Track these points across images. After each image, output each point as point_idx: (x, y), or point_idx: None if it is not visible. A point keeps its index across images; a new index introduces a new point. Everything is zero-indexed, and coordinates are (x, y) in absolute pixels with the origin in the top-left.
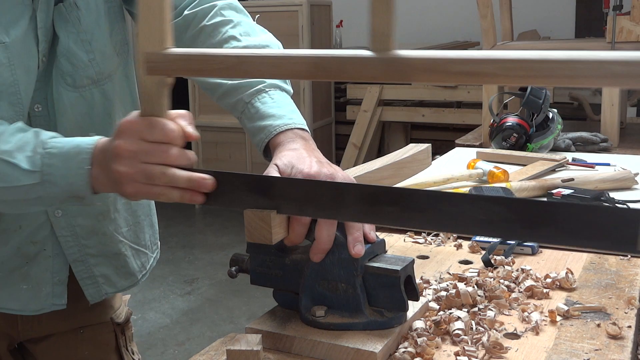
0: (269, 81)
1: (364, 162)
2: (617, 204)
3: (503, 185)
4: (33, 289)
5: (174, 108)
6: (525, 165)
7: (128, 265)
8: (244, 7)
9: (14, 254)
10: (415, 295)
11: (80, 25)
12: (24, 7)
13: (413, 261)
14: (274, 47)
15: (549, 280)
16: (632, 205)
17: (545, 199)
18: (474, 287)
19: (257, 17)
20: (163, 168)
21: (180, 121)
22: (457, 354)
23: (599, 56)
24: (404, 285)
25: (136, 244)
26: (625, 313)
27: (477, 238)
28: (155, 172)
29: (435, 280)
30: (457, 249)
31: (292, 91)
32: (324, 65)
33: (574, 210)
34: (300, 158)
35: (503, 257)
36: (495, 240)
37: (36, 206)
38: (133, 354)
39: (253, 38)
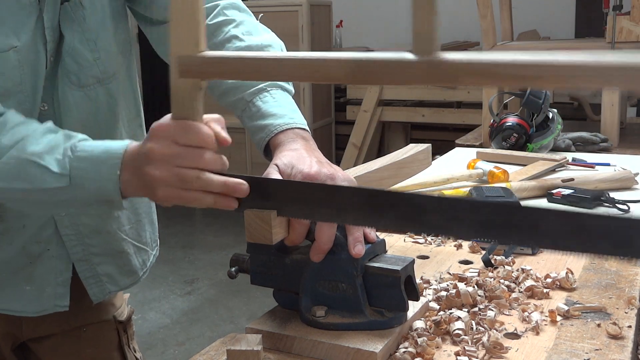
0: None
1: (364, 162)
2: (617, 204)
3: (503, 185)
4: (36, 290)
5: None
6: (525, 165)
7: (130, 263)
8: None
9: (18, 253)
10: (415, 295)
11: (85, 25)
12: (31, 8)
13: (413, 261)
14: (277, 47)
15: (549, 280)
16: (632, 205)
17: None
18: (474, 287)
19: (260, 16)
20: (197, 172)
21: (214, 125)
22: (457, 354)
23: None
24: (404, 285)
25: (138, 242)
26: (626, 313)
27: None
28: (190, 176)
29: (436, 280)
30: (457, 249)
31: (293, 91)
32: (365, 69)
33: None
34: (300, 158)
35: (503, 257)
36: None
37: (63, 208)
38: (135, 352)
39: (255, 37)
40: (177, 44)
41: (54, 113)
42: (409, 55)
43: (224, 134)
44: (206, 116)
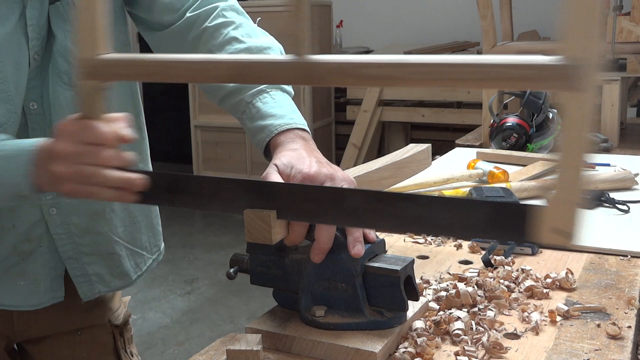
0: None
1: (364, 162)
2: (617, 204)
3: (503, 185)
4: (31, 285)
5: (174, 108)
6: (525, 165)
7: (122, 265)
8: (243, 7)
9: (10, 252)
10: (415, 295)
11: None
12: (13, 3)
13: (413, 261)
14: (276, 49)
15: (549, 280)
16: (632, 206)
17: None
18: (474, 287)
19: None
20: (96, 168)
21: (115, 124)
22: (457, 354)
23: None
24: (404, 285)
25: (132, 245)
26: (625, 313)
27: (477, 238)
28: (90, 172)
29: (435, 280)
30: (457, 249)
31: (293, 93)
32: (246, 70)
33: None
34: (300, 158)
35: (503, 257)
36: (495, 240)
37: None
38: (132, 356)
39: (255, 40)
40: (79, 47)
41: (44, 112)
42: (285, 57)
43: (124, 131)
44: (109, 115)
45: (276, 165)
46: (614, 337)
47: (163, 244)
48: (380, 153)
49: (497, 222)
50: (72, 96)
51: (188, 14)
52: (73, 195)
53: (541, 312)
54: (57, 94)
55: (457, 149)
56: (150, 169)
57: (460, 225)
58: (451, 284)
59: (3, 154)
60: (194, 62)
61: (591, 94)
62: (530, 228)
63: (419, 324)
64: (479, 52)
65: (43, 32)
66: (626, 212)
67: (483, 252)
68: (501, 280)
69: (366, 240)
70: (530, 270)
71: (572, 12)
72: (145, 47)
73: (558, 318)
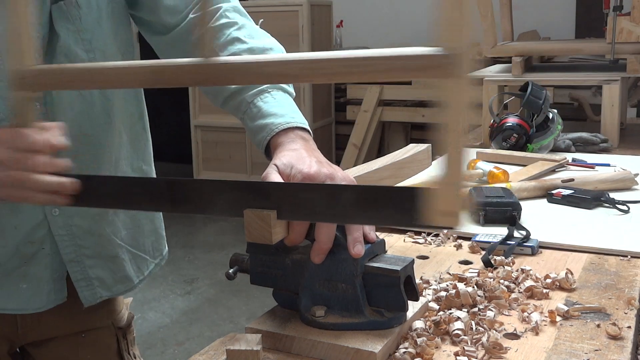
0: None
1: (364, 162)
2: (617, 205)
3: (503, 185)
4: (33, 288)
5: (174, 108)
6: (525, 165)
7: (124, 269)
8: (244, 7)
9: (12, 254)
10: (415, 295)
11: (81, 24)
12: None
13: (413, 261)
14: (277, 50)
15: (548, 280)
16: (632, 206)
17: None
18: (473, 287)
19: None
20: (29, 174)
21: (47, 132)
22: (457, 354)
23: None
24: (403, 285)
25: (135, 249)
26: (625, 313)
27: (477, 238)
28: (22, 178)
29: (435, 281)
30: (457, 249)
31: (294, 94)
32: (162, 74)
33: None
34: (300, 158)
35: (503, 258)
36: (495, 240)
37: None
38: (135, 357)
39: (257, 41)
40: (11, 59)
41: (46, 112)
42: (193, 60)
43: (56, 139)
44: (42, 124)
45: (276, 165)
46: (613, 338)
47: (167, 248)
48: (380, 153)
49: (390, 207)
50: (75, 96)
51: (191, 15)
52: (9, 199)
53: (541, 313)
54: (59, 93)
55: None
56: (153, 170)
57: (358, 211)
58: (451, 284)
59: None
60: (116, 69)
61: (466, 81)
62: (421, 211)
63: (419, 324)
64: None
65: (44, 31)
66: (626, 212)
67: (483, 252)
68: (501, 281)
69: (366, 240)
70: (530, 270)
71: (445, 6)
72: (145, 48)
73: (558, 318)
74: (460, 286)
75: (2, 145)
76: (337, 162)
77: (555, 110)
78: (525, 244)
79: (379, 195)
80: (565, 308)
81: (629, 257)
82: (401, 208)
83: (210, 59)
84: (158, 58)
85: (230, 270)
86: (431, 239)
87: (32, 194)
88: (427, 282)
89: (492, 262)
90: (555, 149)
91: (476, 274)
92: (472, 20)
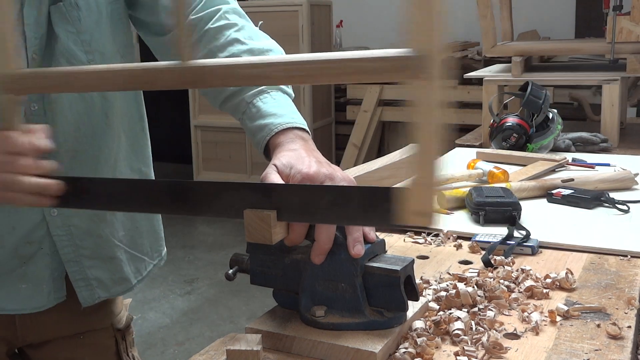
0: None
1: (364, 162)
2: (617, 204)
3: (503, 185)
4: (32, 288)
5: (174, 108)
6: (525, 165)
7: (122, 270)
8: (243, 7)
9: (11, 255)
10: (415, 295)
11: (80, 25)
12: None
13: (413, 261)
14: (277, 51)
15: (548, 280)
16: (632, 206)
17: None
18: (473, 287)
19: (260, 23)
20: (14, 176)
21: (32, 135)
22: (457, 354)
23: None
24: (403, 285)
25: (133, 250)
26: (625, 313)
27: (477, 238)
28: (7, 181)
29: (435, 281)
30: (457, 249)
31: (293, 95)
32: (136, 78)
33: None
34: (299, 158)
35: (503, 258)
36: (495, 240)
37: None
38: (134, 359)
39: (256, 42)
40: None
41: (44, 113)
42: (171, 64)
43: (40, 142)
44: (27, 126)
45: (275, 166)
46: (614, 337)
47: (165, 249)
48: (380, 153)
49: (366, 208)
50: (74, 97)
51: (191, 17)
52: None
53: (541, 312)
54: (60, 95)
55: (457, 148)
56: (152, 171)
57: (335, 212)
58: (451, 284)
59: None
60: (96, 72)
61: (438, 82)
62: (395, 211)
63: (419, 324)
64: (478, 53)
65: (42, 31)
66: (626, 212)
67: (483, 252)
68: (501, 281)
69: (366, 240)
70: (530, 270)
71: (416, 8)
72: (145, 49)
73: (558, 318)
74: (460, 286)
75: None
76: (337, 162)
77: (555, 110)
78: (525, 243)
79: (354, 196)
80: (566, 308)
81: (629, 256)
82: (377, 208)
83: (187, 62)
84: (157, 59)
85: (230, 271)
86: (431, 239)
87: (18, 195)
88: (427, 282)
89: (492, 262)
90: (555, 149)
91: (476, 274)
92: (446, 22)
